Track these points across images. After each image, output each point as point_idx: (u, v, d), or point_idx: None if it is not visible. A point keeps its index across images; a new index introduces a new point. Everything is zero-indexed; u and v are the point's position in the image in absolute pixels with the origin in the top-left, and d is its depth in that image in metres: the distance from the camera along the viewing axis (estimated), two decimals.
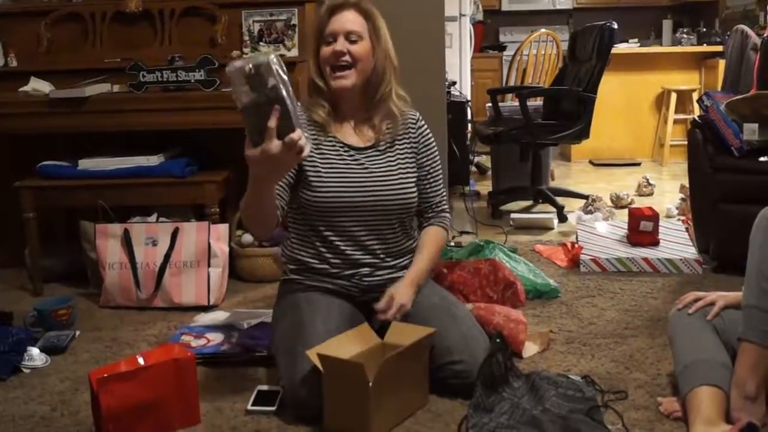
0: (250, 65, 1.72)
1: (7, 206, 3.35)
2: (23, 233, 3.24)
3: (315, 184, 2.19)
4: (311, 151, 2.15)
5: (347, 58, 2.17)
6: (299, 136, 1.75)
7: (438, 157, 2.39)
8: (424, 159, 2.34)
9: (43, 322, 2.73)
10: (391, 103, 2.27)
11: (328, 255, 2.24)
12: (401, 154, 2.30)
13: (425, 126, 2.38)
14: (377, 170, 2.24)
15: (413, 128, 2.33)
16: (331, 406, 1.94)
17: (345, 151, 2.24)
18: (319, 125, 2.25)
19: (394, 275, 2.28)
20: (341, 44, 2.16)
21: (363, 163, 2.24)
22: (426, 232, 2.37)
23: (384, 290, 2.20)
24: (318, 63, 2.22)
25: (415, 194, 2.30)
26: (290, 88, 1.74)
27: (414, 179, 2.30)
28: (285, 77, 1.73)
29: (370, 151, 2.27)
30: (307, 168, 2.19)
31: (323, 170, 2.20)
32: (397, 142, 2.30)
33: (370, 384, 1.82)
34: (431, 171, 2.35)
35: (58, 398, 2.23)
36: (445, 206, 2.42)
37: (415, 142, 2.33)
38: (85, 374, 2.23)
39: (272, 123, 1.72)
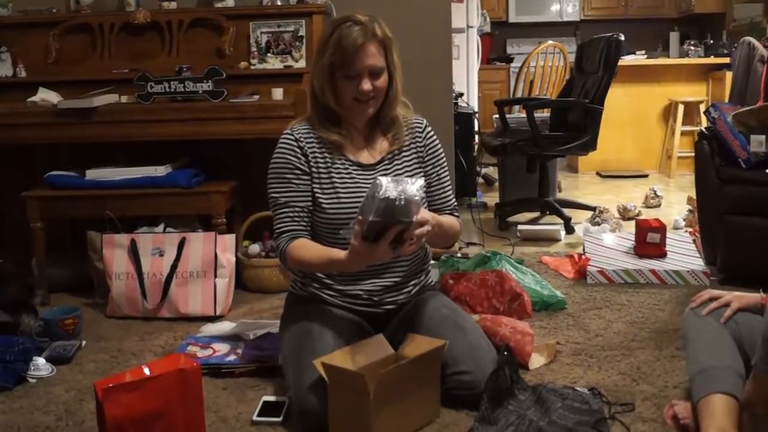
0: (403, 199, 1.80)
1: (14, 216, 3.36)
2: (30, 243, 3.26)
3: (325, 205, 2.20)
4: (322, 174, 2.22)
5: (372, 93, 2.18)
6: (407, 251, 1.97)
7: (445, 162, 2.38)
8: (430, 165, 2.34)
9: (49, 332, 2.73)
10: (397, 113, 2.29)
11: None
12: (408, 163, 2.30)
13: (431, 131, 2.37)
14: None
15: (420, 136, 2.34)
16: (335, 416, 1.93)
17: (354, 170, 2.25)
18: (334, 143, 2.24)
19: (406, 296, 2.30)
20: (367, 83, 2.15)
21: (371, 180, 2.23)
22: None
23: (394, 307, 2.25)
24: (333, 87, 2.19)
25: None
26: (421, 208, 1.90)
27: None
28: (420, 201, 1.86)
29: (379, 166, 2.27)
30: (317, 190, 2.22)
31: (333, 192, 2.21)
32: (404, 152, 2.31)
33: (371, 395, 1.82)
34: (439, 174, 2.35)
35: (63, 408, 2.23)
36: (456, 210, 2.38)
37: (420, 149, 2.33)
38: (90, 384, 2.23)
39: (389, 239, 1.89)
